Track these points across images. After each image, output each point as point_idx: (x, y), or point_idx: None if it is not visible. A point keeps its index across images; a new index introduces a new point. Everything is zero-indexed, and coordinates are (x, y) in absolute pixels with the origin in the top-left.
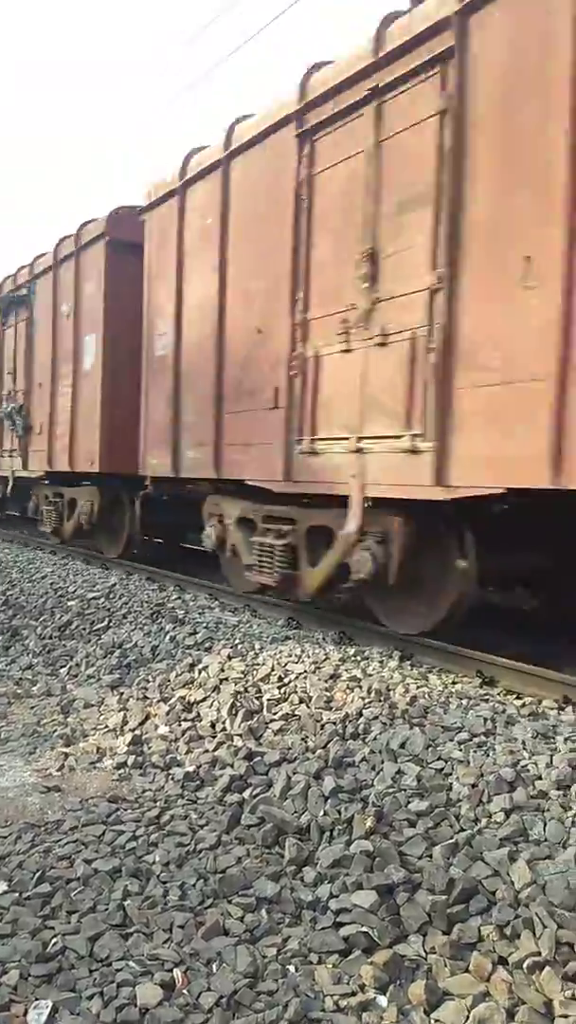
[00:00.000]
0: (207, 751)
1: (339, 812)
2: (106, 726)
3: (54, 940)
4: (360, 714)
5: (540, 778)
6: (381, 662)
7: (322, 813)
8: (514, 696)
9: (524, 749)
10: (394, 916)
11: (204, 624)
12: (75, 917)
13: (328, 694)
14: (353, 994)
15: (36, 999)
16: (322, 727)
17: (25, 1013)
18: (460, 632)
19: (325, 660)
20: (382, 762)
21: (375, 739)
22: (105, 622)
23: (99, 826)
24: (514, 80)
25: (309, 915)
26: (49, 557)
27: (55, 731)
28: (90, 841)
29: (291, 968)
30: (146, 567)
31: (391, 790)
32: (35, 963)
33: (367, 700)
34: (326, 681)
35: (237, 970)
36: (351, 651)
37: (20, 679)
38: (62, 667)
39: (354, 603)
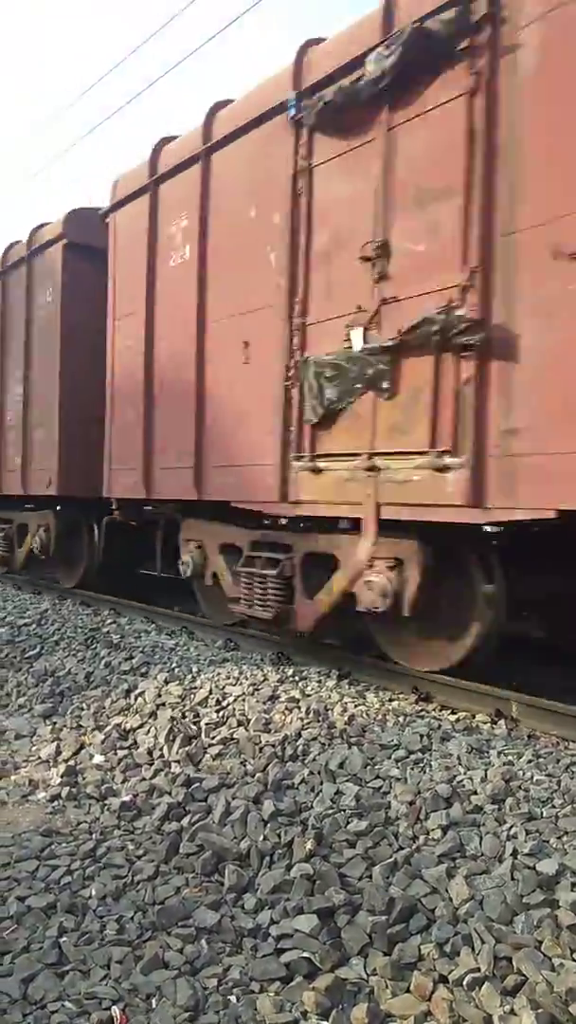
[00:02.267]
0: (144, 779)
1: (279, 836)
2: (39, 757)
3: None
4: (299, 735)
5: (475, 793)
6: (319, 681)
7: (262, 838)
8: (449, 711)
9: (459, 764)
10: (335, 939)
11: (140, 648)
12: (7, 958)
13: (267, 716)
14: (296, 1022)
15: None
16: (261, 750)
17: None
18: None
19: (263, 681)
20: (321, 783)
21: (314, 760)
22: (37, 649)
23: (32, 861)
24: None
25: (250, 943)
26: None
27: None
28: (23, 877)
29: (232, 998)
30: (82, 592)
31: (330, 811)
32: None
33: (306, 721)
34: (265, 703)
35: (177, 1004)
36: (289, 671)
37: None
38: None
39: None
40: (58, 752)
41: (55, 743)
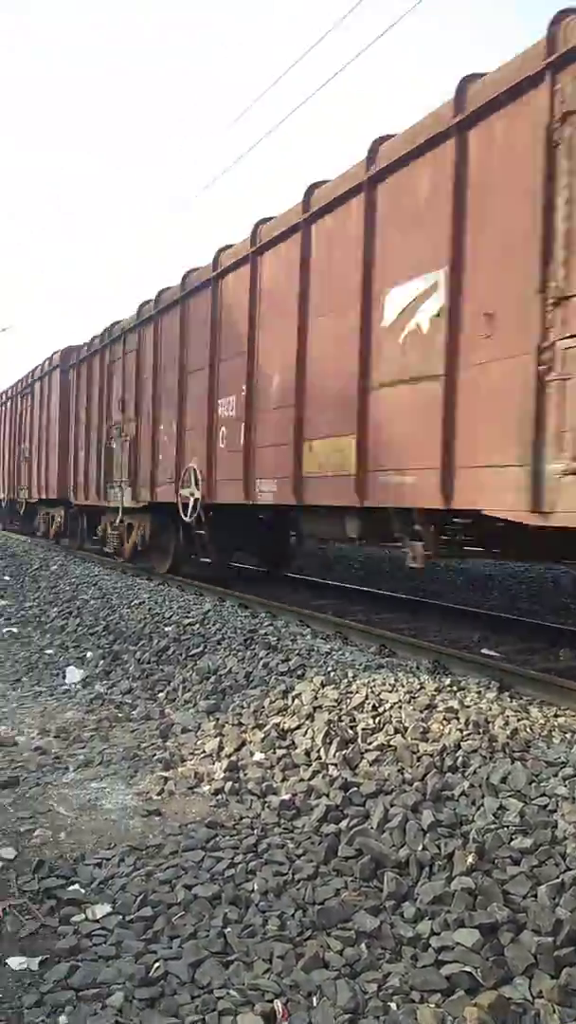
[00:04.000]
0: (303, 780)
1: (439, 847)
2: (203, 751)
3: (157, 964)
4: (458, 746)
5: None
6: (479, 692)
7: (421, 847)
8: None
9: None
10: (498, 956)
11: (296, 651)
12: (176, 942)
13: (424, 725)
14: None
15: (140, 1022)
16: (419, 759)
17: None
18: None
19: (420, 690)
20: (482, 796)
21: (474, 773)
22: (200, 648)
23: (198, 852)
24: None
25: (410, 951)
26: (146, 583)
27: (154, 755)
28: (190, 867)
29: (392, 1005)
30: (240, 595)
31: (492, 826)
32: (139, 986)
33: (465, 732)
34: (422, 711)
35: (338, 1004)
36: (447, 681)
37: (120, 703)
38: (160, 691)
39: None
40: (221, 748)
41: (218, 738)
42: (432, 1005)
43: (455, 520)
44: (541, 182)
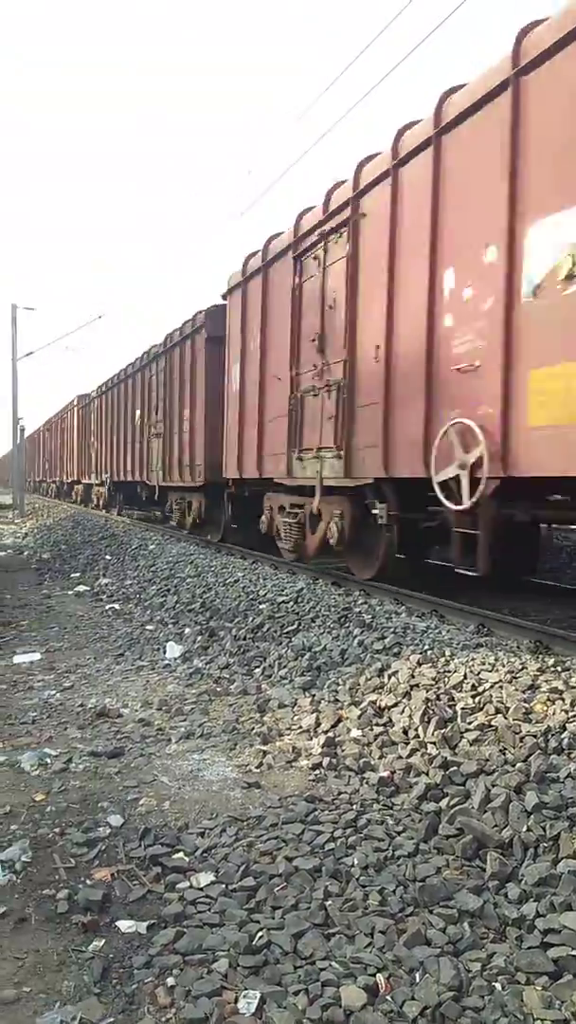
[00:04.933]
0: (400, 757)
1: (543, 829)
2: (300, 727)
3: (260, 934)
4: (563, 728)
5: None
6: None
7: (525, 828)
8: None
9: None
10: None
11: (392, 629)
12: (279, 913)
13: (527, 705)
14: (566, 1021)
15: (245, 989)
16: (521, 739)
17: (235, 1001)
18: None
19: (522, 670)
20: None
21: None
22: (295, 625)
23: (298, 824)
24: None
25: (515, 932)
26: (240, 562)
27: (252, 729)
28: (290, 839)
29: (497, 986)
30: (333, 572)
31: None
32: (243, 954)
33: (571, 713)
34: (524, 692)
35: (441, 982)
36: (550, 661)
37: (219, 677)
38: (256, 667)
39: None
40: (318, 723)
41: (315, 714)
42: (539, 988)
43: None
44: None
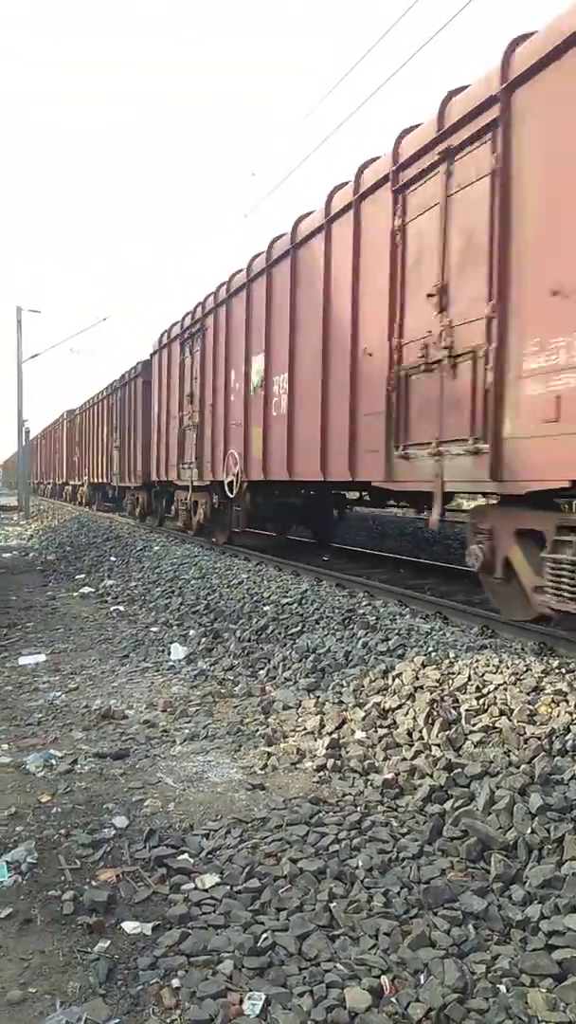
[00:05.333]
0: (405, 759)
1: (548, 831)
2: (304, 728)
3: (264, 935)
4: (568, 729)
5: None
6: None
7: (529, 831)
8: None
9: None
10: None
11: (396, 630)
12: (283, 914)
13: (531, 707)
14: (571, 1023)
15: (250, 990)
16: (526, 741)
17: (240, 1002)
18: None
19: (526, 671)
20: None
21: None
22: (299, 627)
23: (303, 826)
24: None
25: (519, 934)
26: (244, 564)
27: (257, 730)
28: (295, 840)
29: (502, 988)
30: (336, 574)
31: None
32: (248, 955)
33: (575, 715)
34: (528, 694)
35: (446, 984)
36: (554, 663)
37: (223, 679)
38: (260, 669)
39: None
40: (322, 725)
41: (319, 716)
42: (543, 990)
43: None
44: None
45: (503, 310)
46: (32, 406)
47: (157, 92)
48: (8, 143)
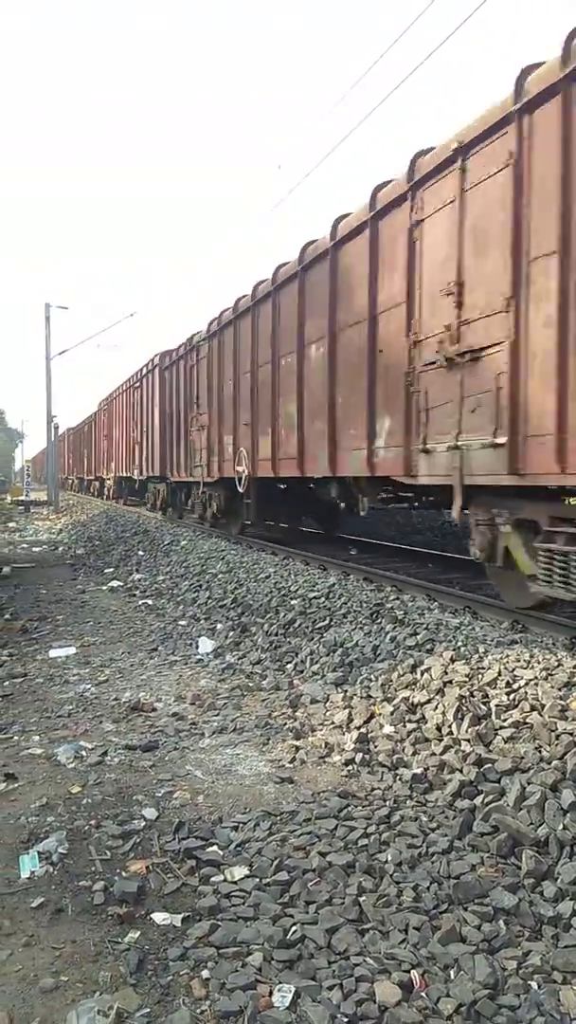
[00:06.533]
0: (434, 754)
1: None
2: (332, 722)
3: (294, 928)
4: None
5: None
6: None
7: (561, 827)
8: None
9: None
10: None
11: (424, 625)
12: (313, 907)
13: (563, 703)
14: None
15: (279, 983)
16: (557, 737)
17: (270, 994)
18: None
19: (558, 667)
20: None
21: None
22: (327, 621)
23: (331, 820)
24: None
25: (551, 931)
26: (271, 558)
27: (285, 724)
28: (324, 834)
29: (533, 984)
30: (364, 568)
31: None
32: (277, 948)
33: None
34: (560, 689)
35: (476, 979)
36: None
37: (251, 673)
38: (288, 663)
39: None
40: (350, 719)
41: (347, 710)
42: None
43: None
44: None
45: None
46: (60, 403)
47: (178, 90)
48: (42, 137)
